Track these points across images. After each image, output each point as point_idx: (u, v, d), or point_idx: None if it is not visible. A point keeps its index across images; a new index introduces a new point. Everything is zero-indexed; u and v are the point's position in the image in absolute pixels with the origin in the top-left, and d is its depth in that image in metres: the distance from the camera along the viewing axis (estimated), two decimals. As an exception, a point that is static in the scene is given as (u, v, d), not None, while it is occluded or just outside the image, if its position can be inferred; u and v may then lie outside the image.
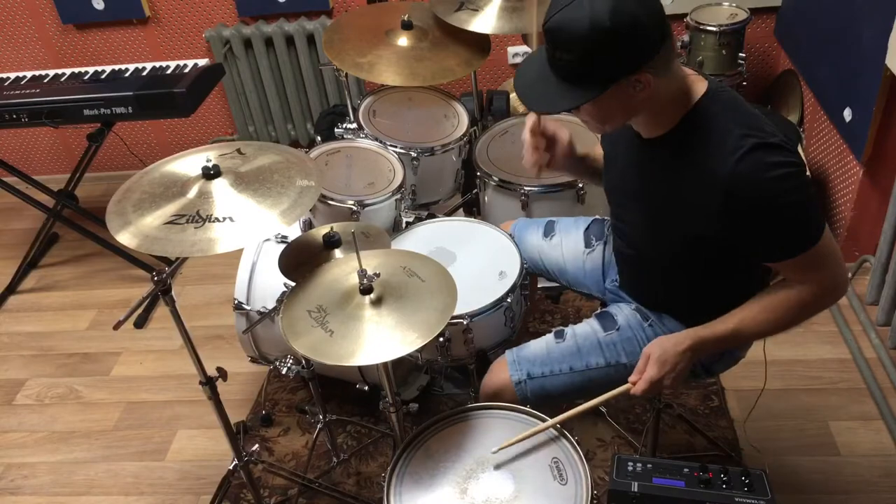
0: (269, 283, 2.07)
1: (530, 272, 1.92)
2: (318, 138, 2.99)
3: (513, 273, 1.83)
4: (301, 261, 1.68)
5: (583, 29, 1.19)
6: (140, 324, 2.85)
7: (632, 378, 1.45)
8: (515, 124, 2.40)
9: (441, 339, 1.76)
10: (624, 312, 1.65)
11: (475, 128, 2.47)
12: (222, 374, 1.67)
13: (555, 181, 2.11)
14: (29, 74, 2.87)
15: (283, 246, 1.83)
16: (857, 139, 2.36)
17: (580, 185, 2.10)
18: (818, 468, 2.05)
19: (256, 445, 1.89)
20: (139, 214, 1.43)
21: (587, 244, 1.84)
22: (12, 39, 3.42)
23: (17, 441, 2.46)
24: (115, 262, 3.05)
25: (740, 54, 2.81)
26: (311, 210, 2.07)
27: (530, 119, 1.62)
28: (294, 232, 2.13)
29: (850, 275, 2.57)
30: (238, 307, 2.12)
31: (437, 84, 2.30)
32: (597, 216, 1.89)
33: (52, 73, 2.87)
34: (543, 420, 1.48)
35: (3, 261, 3.29)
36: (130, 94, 2.62)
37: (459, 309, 1.58)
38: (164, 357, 2.70)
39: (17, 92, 2.72)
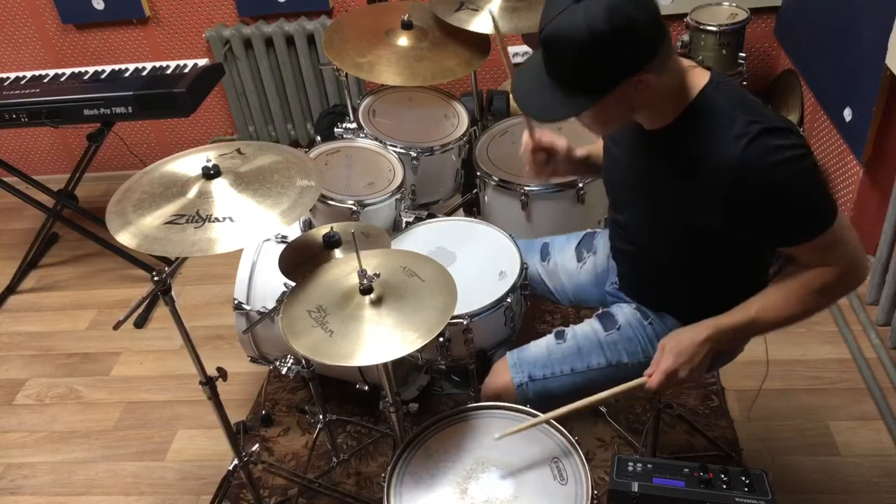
0: (269, 283, 2.07)
1: (536, 295, 1.92)
2: (318, 138, 2.99)
3: (513, 273, 1.83)
4: (301, 261, 1.68)
5: (580, 35, 1.17)
6: (140, 324, 2.85)
7: (648, 371, 1.43)
8: (515, 124, 2.40)
9: (441, 339, 1.76)
10: (624, 312, 1.65)
11: (475, 128, 2.46)
12: (222, 374, 1.67)
13: (556, 181, 2.11)
14: (29, 74, 2.87)
15: (283, 246, 1.83)
16: (857, 139, 2.36)
17: (580, 185, 2.10)
18: (818, 468, 2.05)
19: (256, 445, 1.89)
20: (139, 214, 1.43)
21: (579, 258, 1.84)
22: (12, 39, 3.42)
23: (17, 441, 2.46)
24: (115, 262, 3.05)
25: (740, 54, 2.81)
26: (311, 210, 2.07)
27: (525, 138, 1.62)
28: (294, 232, 2.13)
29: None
30: (238, 307, 2.12)
31: (437, 84, 2.30)
32: (588, 230, 1.89)
33: (52, 73, 2.87)
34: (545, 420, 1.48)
35: (3, 261, 3.30)
36: (130, 94, 2.62)
37: (459, 309, 1.58)
38: (164, 357, 2.70)
39: (17, 92, 2.72)
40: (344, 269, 1.53)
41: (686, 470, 1.41)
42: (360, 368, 2.11)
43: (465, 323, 1.74)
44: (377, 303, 1.42)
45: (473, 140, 2.37)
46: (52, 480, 2.31)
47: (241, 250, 2.11)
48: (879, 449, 2.09)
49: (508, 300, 1.78)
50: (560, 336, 1.66)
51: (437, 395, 2.36)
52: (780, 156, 1.24)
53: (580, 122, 1.36)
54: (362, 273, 1.42)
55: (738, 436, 2.15)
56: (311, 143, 3.42)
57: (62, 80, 2.81)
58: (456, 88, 3.24)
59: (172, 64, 2.80)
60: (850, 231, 1.34)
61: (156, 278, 1.47)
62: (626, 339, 1.61)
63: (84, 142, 2.83)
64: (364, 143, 2.26)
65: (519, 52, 3.25)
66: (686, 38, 2.86)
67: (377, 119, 2.35)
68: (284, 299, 1.52)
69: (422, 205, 2.39)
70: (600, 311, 1.70)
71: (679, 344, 1.40)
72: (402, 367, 2.26)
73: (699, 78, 1.33)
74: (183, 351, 1.76)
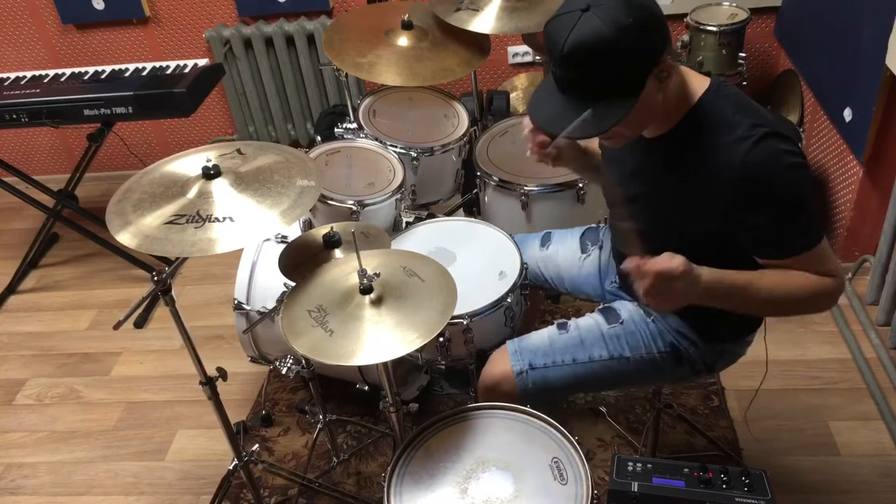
0: (269, 283, 2.07)
1: (531, 285, 1.92)
2: (318, 138, 2.99)
3: (513, 273, 1.83)
4: (301, 261, 1.68)
5: (608, 35, 1.17)
6: (140, 324, 2.85)
7: (630, 260, 1.31)
8: (515, 124, 2.40)
9: (441, 339, 1.76)
10: (627, 308, 1.65)
11: (475, 128, 2.46)
12: (222, 374, 1.67)
13: (555, 181, 2.11)
14: (29, 74, 2.87)
15: (283, 246, 1.83)
16: (857, 139, 2.36)
17: (580, 185, 2.10)
18: (818, 468, 2.05)
19: (256, 445, 1.89)
20: (139, 214, 1.43)
21: (583, 249, 1.84)
22: (12, 39, 3.42)
23: (17, 441, 2.46)
24: (115, 262, 3.05)
25: (740, 54, 2.81)
26: (311, 210, 2.07)
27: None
28: (294, 232, 2.13)
29: (849, 275, 2.57)
30: (238, 307, 2.12)
31: (437, 84, 2.30)
32: (591, 225, 1.89)
33: (52, 73, 2.87)
34: (545, 421, 1.48)
35: (3, 261, 3.30)
36: (130, 94, 2.62)
37: (459, 309, 1.58)
38: (164, 357, 2.70)
39: (17, 92, 2.72)
40: (344, 269, 1.54)
41: (686, 470, 1.41)
42: (360, 368, 2.11)
43: (465, 323, 1.74)
44: (377, 303, 1.42)
45: (473, 140, 2.37)
46: (52, 480, 2.31)
47: (241, 250, 2.11)
48: (879, 449, 2.09)
49: (508, 300, 1.78)
50: (563, 327, 1.65)
51: (437, 395, 2.36)
52: (785, 160, 1.25)
53: (612, 130, 1.28)
54: (362, 273, 1.42)
55: (738, 436, 2.15)
56: (311, 143, 3.42)
57: (62, 80, 2.81)
58: (456, 88, 3.24)
59: (172, 64, 2.80)
60: (832, 256, 1.34)
61: (156, 278, 1.47)
62: (628, 333, 1.61)
63: (84, 142, 2.83)
64: (364, 143, 2.26)
65: (519, 52, 3.25)
66: (686, 38, 2.86)
67: (377, 119, 2.35)
68: (284, 299, 1.52)
69: (422, 205, 2.39)
70: (602, 306, 1.69)
71: (676, 257, 1.27)
72: (402, 367, 2.26)
73: (699, 83, 1.33)
74: (183, 351, 1.76)
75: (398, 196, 2.12)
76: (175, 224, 1.41)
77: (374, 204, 2.06)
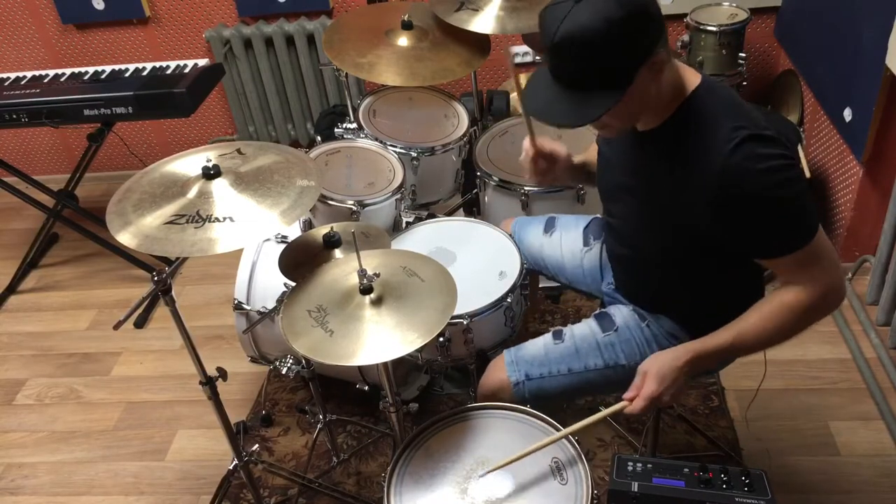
0: (269, 283, 2.07)
1: (531, 270, 1.91)
2: (318, 138, 2.99)
3: (513, 273, 1.83)
4: (301, 261, 1.68)
5: (597, 27, 1.17)
6: (140, 324, 2.85)
7: (627, 395, 1.43)
8: (515, 124, 2.40)
9: (441, 339, 1.76)
10: (622, 313, 1.65)
11: (475, 128, 2.47)
12: (222, 374, 1.67)
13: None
14: (29, 74, 2.87)
15: (283, 246, 1.83)
16: (857, 139, 2.36)
17: (580, 185, 2.10)
18: (818, 468, 2.05)
19: (256, 445, 1.89)
20: (139, 214, 1.43)
21: (585, 242, 1.84)
22: (12, 39, 3.42)
23: (17, 441, 2.46)
24: (115, 262, 3.05)
25: (740, 54, 2.81)
26: (311, 210, 2.07)
27: (527, 143, 1.62)
28: (294, 232, 2.13)
29: (849, 275, 2.57)
30: (238, 307, 2.12)
31: (437, 84, 2.30)
32: (597, 215, 1.89)
33: (52, 73, 2.87)
34: (545, 421, 1.48)
35: (3, 261, 3.30)
36: (130, 94, 2.62)
37: (459, 309, 1.58)
38: (164, 357, 2.71)
39: (17, 92, 2.72)
40: (344, 269, 1.54)
41: (686, 470, 1.41)
42: (360, 368, 2.11)
43: (465, 323, 1.74)
44: (377, 303, 1.42)
45: (473, 140, 2.37)
46: (52, 480, 2.31)
47: (241, 250, 2.11)
48: (879, 449, 2.09)
49: (508, 300, 1.78)
50: (558, 336, 1.66)
51: (437, 395, 2.36)
52: (763, 164, 1.24)
53: (599, 123, 1.32)
54: (362, 273, 1.42)
55: (738, 436, 2.15)
56: (311, 143, 3.42)
57: (62, 80, 2.81)
58: (456, 88, 3.24)
59: (172, 64, 2.80)
60: (829, 252, 1.33)
61: (156, 278, 1.47)
62: (623, 340, 1.61)
63: (84, 142, 2.83)
64: (364, 143, 2.26)
65: (519, 52, 3.24)
66: (686, 38, 2.86)
67: (377, 119, 2.35)
68: (284, 299, 1.52)
69: (422, 205, 2.39)
70: (598, 312, 1.70)
71: (661, 369, 1.40)
72: (402, 367, 2.26)
73: (692, 79, 1.33)
74: (183, 351, 1.76)
75: (398, 196, 2.12)
76: (175, 224, 1.41)
77: (374, 204, 2.06)
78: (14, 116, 2.67)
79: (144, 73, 2.79)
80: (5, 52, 3.45)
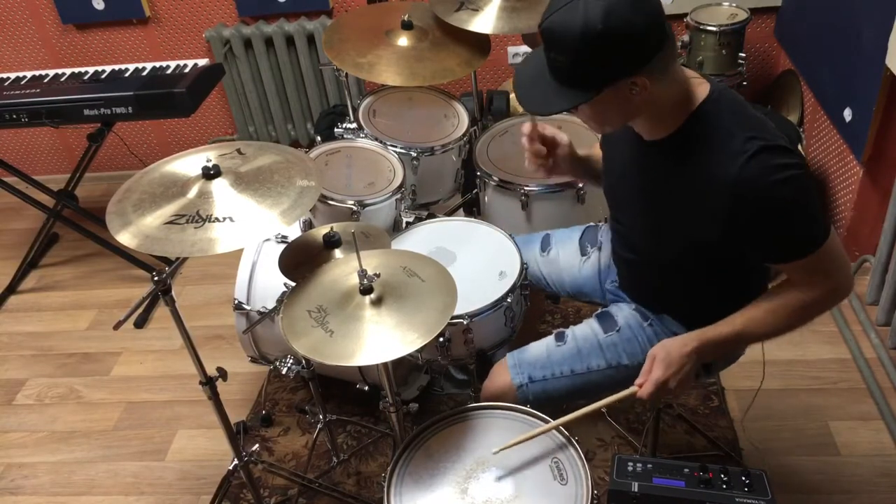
0: (269, 283, 2.07)
1: (532, 286, 1.92)
2: (318, 138, 2.99)
3: (513, 273, 1.83)
4: (301, 261, 1.68)
5: (575, 32, 1.19)
6: (140, 324, 2.85)
7: (637, 381, 1.44)
8: (515, 124, 2.39)
9: (441, 339, 1.76)
10: (624, 312, 1.65)
11: (475, 128, 2.46)
12: (222, 374, 1.67)
13: (555, 181, 2.11)
14: (29, 74, 2.87)
15: (283, 246, 1.83)
16: (857, 139, 2.36)
17: (580, 185, 2.09)
18: (818, 468, 2.05)
19: (256, 445, 1.89)
20: (139, 214, 1.43)
21: (583, 252, 1.84)
22: (12, 39, 3.42)
23: (17, 441, 2.46)
24: (115, 262, 3.05)
25: (740, 54, 2.81)
26: (311, 210, 2.07)
27: (527, 126, 1.62)
28: (294, 232, 2.13)
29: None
30: (238, 307, 2.12)
31: (437, 84, 2.30)
32: (590, 223, 1.90)
33: (52, 73, 2.87)
34: (545, 420, 1.48)
35: (3, 261, 3.30)
36: (130, 94, 2.62)
37: (459, 309, 1.58)
38: (164, 357, 2.71)
39: (17, 92, 2.72)
40: (344, 269, 1.53)
41: (686, 470, 1.41)
42: (360, 368, 2.11)
43: (465, 323, 1.74)
44: (377, 303, 1.42)
45: (473, 140, 2.36)
46: (52, 480, 2.31)
47: (241, 250, 2.11)
48: (879, 449, 2.09)
49: (508, 300, 1.78)
50: (560, 338, 1.66)
51: (437, 395, 2.36)
52: (778, 175, 1.24)
53: (579, 116, 1.38)
54: (362, 273, 1.42)
55: (738, 436, 2.15)
56: (311, 143, 3.42)
57: (62, 80, 2.81)
58: (456, 88, 3.24)
59: (172, 64, 2.80)
60: (840, 252, 1.35)
61: (156, 278, 1.47)
62: (625, 340, 1.61)
63: (84, 142, 2.83)
64: (364, 143, 2.26)
65: (519, 52, 3.25)
66: (686, 38, 2.86)
67: (377, 119, 2.35)
68: (284, 299, 1.52)
69: (422, 205, 2.39)
70: (599, 312, 1.70)
71: (669, 355, 1.40)
72: (402, 367, 2.26)
73: (700, 90, 1.33)
74: (183, 351, 1.76)
75: (398, 196, 2.12)
76: (175, 224, 1.41)
77: (374, 204, 2.06)
78: (14, 116, 2.67)
79: (144, 73, 2.79)
80: (5, 52, 3.45)
